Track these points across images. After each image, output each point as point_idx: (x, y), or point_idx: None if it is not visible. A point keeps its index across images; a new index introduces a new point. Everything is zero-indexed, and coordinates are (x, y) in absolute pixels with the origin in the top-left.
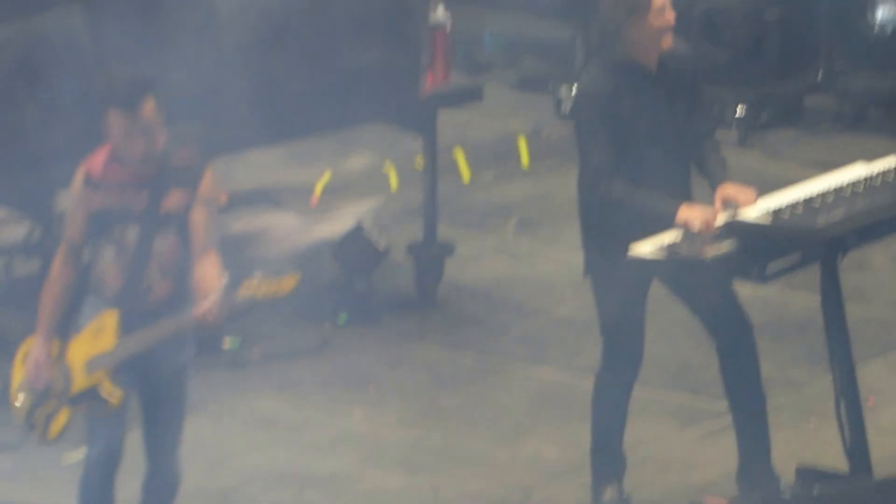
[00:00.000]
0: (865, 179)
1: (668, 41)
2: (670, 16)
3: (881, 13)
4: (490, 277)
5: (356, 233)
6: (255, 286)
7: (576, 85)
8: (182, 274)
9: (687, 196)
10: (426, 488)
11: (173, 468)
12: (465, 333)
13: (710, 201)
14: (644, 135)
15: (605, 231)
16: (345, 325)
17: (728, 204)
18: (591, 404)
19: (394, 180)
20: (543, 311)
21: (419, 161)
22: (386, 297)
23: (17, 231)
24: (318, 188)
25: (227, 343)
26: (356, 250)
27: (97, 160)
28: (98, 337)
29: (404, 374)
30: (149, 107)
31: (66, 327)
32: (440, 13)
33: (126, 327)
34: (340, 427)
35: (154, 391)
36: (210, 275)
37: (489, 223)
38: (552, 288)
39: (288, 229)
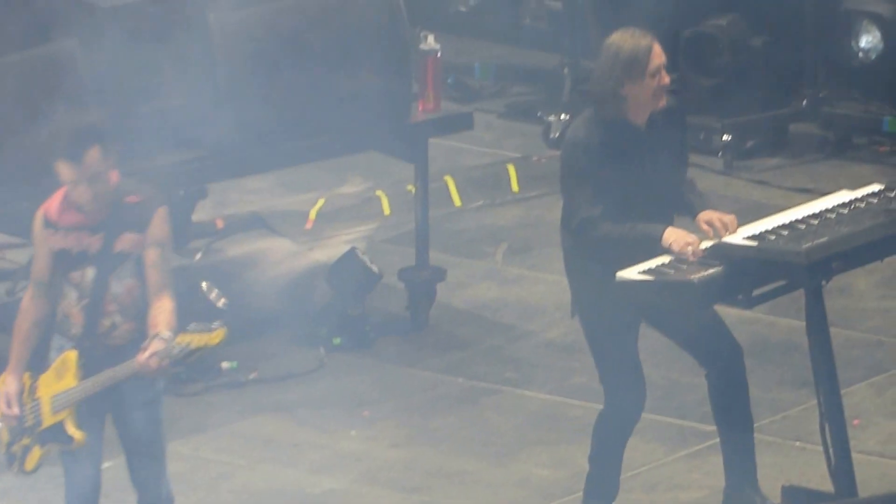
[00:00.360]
0: (849, 206)
1: (661, 102)
2: (665, 79)
3: (864, 41)
4: (481, 301)
5: (350, 257)
6: (190, 337)
7: (564, 133)
8: (143, 316)
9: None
10: None
11: (162, 492)
12: (456, 356)
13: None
14: (630, 188)
15: (590, 276)
16: (339, 348)
17: (710, 228)
18: (592, 436)
19: (386, 206)
20: (533, 335)
21: (411, 187)
22: (379, 321)
23: (20, 256)
24: (313, 214)
25: (225, 365)
26: (350, 275)
27: (53, 203)
28: (62, 375)
29: (397, 396)
30: (93, 156)
31: (38, 362)
32: (430, 42)
33: (87, 366)
34: (336, 448)
35: (127, 426)
36: (160, 319)
37: (480, 248)
38: (542, 312)
39: (283, 254)
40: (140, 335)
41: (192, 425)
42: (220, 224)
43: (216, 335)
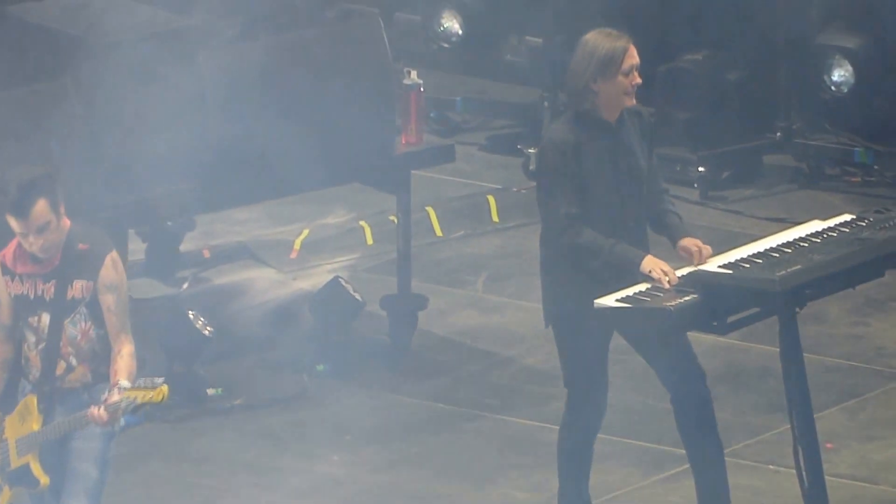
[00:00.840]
0: (822, 235)
1: (631, 101)
2: (637, 79)
3: (836, 75)
4: (461, 329)
5: (333, 286)
6: (136, 393)
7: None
8: (98, 358)
9: (644, 244)
10: None
11: None
12: (437, 383)
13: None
14: (604, 184)
15: (567, 281)
16: (322, 374)
17: (687, 256)
18: (557, 451)
19: (369, 236)
20: (512, 362)
21: (393, 218)
22: (362, 348)
23: None
24: (297, 244)
25: (211, 392)
26: (334, 303)
27: (9, 251)
28: (24, 419)
29: (379, 422)
30: (39, 209)
31: (9, 404)
32: (413, 77)
33: (46, 410)
34: (318, 473)
35: (64, 456)
36: (121, 366)
37: (460, 277)
38: (521, 339)
39: (268, 283)
40: (95, 378)
41: (176, 451)
42: (206, 254)
43: (159, 392)
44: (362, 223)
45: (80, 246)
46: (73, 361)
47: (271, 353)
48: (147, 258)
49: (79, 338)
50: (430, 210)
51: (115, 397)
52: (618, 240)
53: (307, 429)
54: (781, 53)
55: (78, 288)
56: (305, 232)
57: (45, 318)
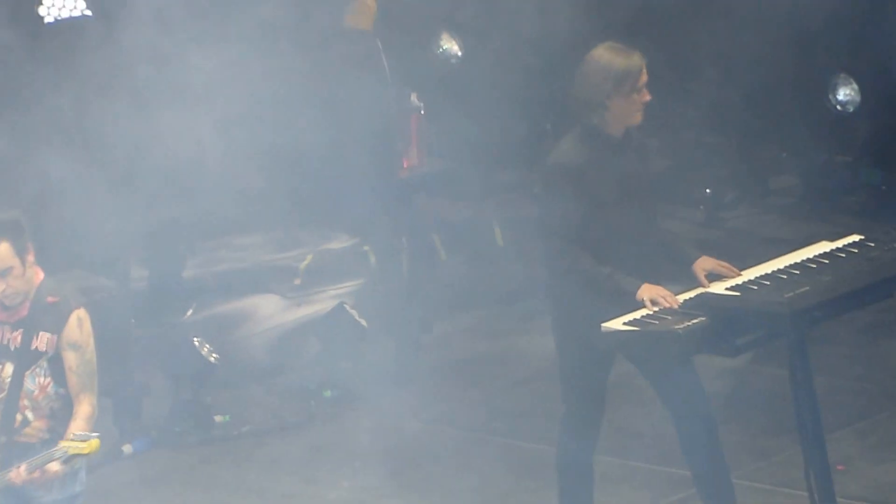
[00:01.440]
0: (830, 256)
1: (640, 118)
2: (647, 96)
3: (842, 95)
4: (467, 353)
5: (338, 312)
6: (69, 444)
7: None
8: (57, 418)
9: (655, 257)
10: None
11: None
12: (445, 407)
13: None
14: (612, 201)
15: (572, 303)
16: (329, 399)
17: (711, 277)
18: (557, 469)
19: (373, 261)
20: (520, 385)
21: (397, 243)
22: (368, 373)
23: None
24: (302, 269)
25: (218, 419)
26: (339, 328)
27: None
28: None
29: (387, 447)
30: (3, 251)
31: None
32: (413, 100)
33: (5, 459)
34: (326, 499)
35: None
36: (73, 426)
37: (465, 301)
38: (528, 363)
39: (273, 309)
40: (53, 436)
41: (185, 477)
42: (210, 281)
43: (89, 445)
44: (366, 248)
45: (49, 299)
46: (30, 416)
47: (278, 379)
48: (150, 284)
49: (35, 392)
50: (435, 234)
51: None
52: (614, 269)
53: (315, 455)
54: (787, 74)
55: (42, 340)
56: (309, 257)
57: (9, 368)
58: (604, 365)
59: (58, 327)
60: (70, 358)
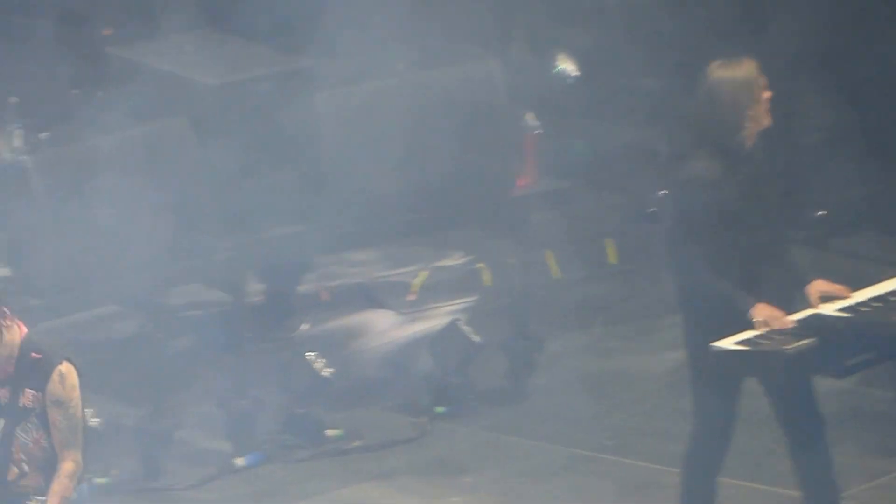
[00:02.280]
0: None
1: (769, 118)
2: (768, 93)
3: None
4: (579, 371)
5: (452, 328)
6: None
7: (682, 175)
8: (52, 467)
9: (778, 275)
10: None
11: None
12: (556, 424)
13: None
14: (747, 212)
15: (702, 316)
16: (441, 416)
17: (825, 298)
18: (680, 488)
19: (487, 278)
20: (630, 404)
21: (511, 260)
22: (480, 391)
23: (127, 326)
24: (416, 286)
25: (331, 433)
26: (452, 345)
27: None
28: None
29: (499, 464)
30: None
31: None
32: (531, 120)
33: None
34: None
35: None
36: (55, 489)
37: (578, 320)
38: (639, 381)
39: (386, 325)
40: (48, 485)
41: (297, 492)
42: (324, 296)
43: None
44: (480, 265)
45: (33, 355)
46: (26, 468)
47: (390, 395)
48: (266, 299)
49: (30, 445)
50: (548, 252)
51: None
52: (732, 287)
53: (427, 471)
54: None
55: (29, 397)
56: (424, 274)
57: (0, 424)
58: (732, 381)
59: (41, 384)
60: (54, 414)
